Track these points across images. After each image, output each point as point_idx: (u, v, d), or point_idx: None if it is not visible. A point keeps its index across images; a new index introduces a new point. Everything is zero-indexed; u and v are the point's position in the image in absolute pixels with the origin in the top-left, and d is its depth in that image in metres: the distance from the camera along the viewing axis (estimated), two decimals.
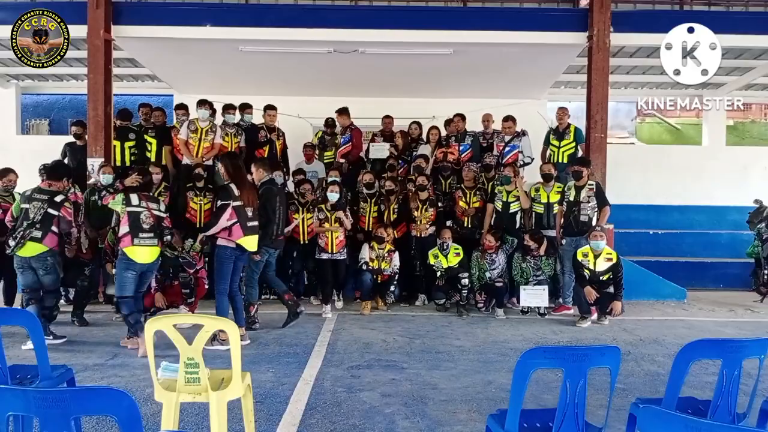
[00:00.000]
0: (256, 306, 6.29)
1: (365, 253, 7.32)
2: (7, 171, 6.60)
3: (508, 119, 8.44)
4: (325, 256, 7.07)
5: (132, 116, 8.56)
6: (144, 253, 5.30)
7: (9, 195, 6.56)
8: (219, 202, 5.51)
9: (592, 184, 7.33)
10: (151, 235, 5.38)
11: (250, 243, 5.59)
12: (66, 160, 8.45)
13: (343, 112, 8.75)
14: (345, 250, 7.19)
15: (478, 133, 9.11)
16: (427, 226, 7.68)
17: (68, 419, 1.77)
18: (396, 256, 7.38)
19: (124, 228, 5.29)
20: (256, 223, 5.63)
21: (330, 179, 7.91)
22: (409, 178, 8.19)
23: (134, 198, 5.38)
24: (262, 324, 6.32)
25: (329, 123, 9.06)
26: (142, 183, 5.59)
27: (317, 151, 9.03)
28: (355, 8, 9.28)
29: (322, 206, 7.04)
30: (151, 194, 5.85)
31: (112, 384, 4.34)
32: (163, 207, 5.63)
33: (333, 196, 7.02)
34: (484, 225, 7.76)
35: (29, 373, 3.19)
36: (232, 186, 5.48)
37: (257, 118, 8.75)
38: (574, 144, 8.36)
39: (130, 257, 5.25)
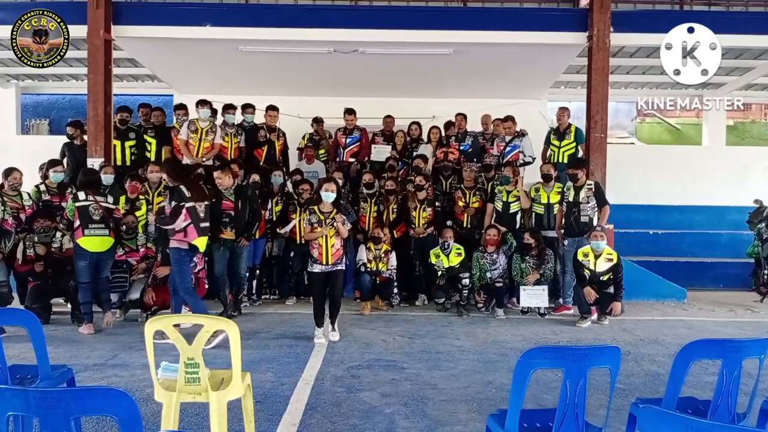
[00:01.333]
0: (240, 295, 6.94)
1: (362, 254, 7.32)
2: (12, 170, 6.62)
3: (508, 119, 8.45)
4: (317, 268, 5.68)
5: (131, 111, 8.56)
6: (95, 242, 5.88)
7: (17, 194, 6.58)
8: (172, 203, 5.57)
9: (591, 184, 7.33)
10: (102, 225, 5.93)
11: (202, 243, 5.76)
12: (65, 161, 8.45)
13: (352, 112, 8.78)
14: (344, 260, 5.81)
15: (478, 134, 9.12)
16: (425, 226, 7.68)
17: (68, 419, 1.77)
18: (393, 256, 7.38)
19: (76, 222, 5.87)
20: (207, 224, 5.81)
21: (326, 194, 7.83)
22: (409, 178, 8.20)
23: (81, 194, 5.95)
24: (262, 324, 6.32)
25: (318, 120, 9.10)
26: (88, 180, 6.10)
27: (313, 151, 9.03)
28: (355, 8, 9.28)
29: (315, 208, 5.70)
30: (102, 190, 6.29)
31: (112, 384, 4.34)
32: (111, 200, 6.14)
33: (328, 196, 5.61)
34: (484, 225, 7.76)
35: (29, 373, 3.19)
36: (182, 188, 5.60)
37: (258, 118, 8.75)
38: (574, 144, 8.36)
39: (82, 247, 5.83)
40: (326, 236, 5.58)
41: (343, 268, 5.80)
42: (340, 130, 8.93)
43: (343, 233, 5.67)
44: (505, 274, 7.31)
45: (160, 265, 6.56)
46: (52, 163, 7.18)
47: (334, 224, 5.56)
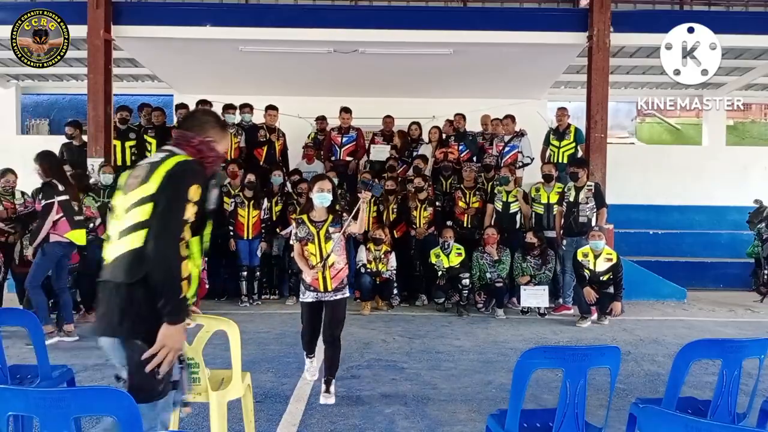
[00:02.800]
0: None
1: (362, 255, 7.32)
2: (6, 172, 6.63)
3: (507, 117, 8.46)
4: (311, 297, 4.05)
5: (131, 110, 8.56)
6: (81, 235, 5.72)
7: (10, 195, 6.58)
8: (43, 202, 5.51)
9: (591, 185, 7.34)
10: (83, 218, 5.82)
11: (79, 237, 5.66)
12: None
13: (348, 111, 8.78)
14: (346, 287, 4.16)
15: (478, 134, 9.12)
16: (426, 226, 7.69)
17: (68, 419, 1.77)
18: (392, 256, 7.38)
19: (57, 216, 5.54)
20: (82, 217, 5.77)
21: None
22: (409, 178, 8.20)
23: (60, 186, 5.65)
24: (262, 324, 6.32)
25: (321, 119, 9.10)
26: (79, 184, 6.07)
27: (314, 151, 9.03)
28: (355, 8, 9.28)
29: (304, 217, 4.05)
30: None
31: (112, 384, 4.32)
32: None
33: (322, 198, 3.96)
34: (484, 225, 7.76)
35: (29, 373, 3.19)
36: (55, 182, 5.55)
37: (258, 118, 8.76)
38: (574, 144, 8.36)
39: (70, 241, 5.61)
40: (321, 250, 3.97)
41: (347, 294, 4.14)
42: (334, 129, 8.93)
43: (354, 228, 4.08)
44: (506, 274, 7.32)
45: None
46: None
47: (332, 236, 3.97)
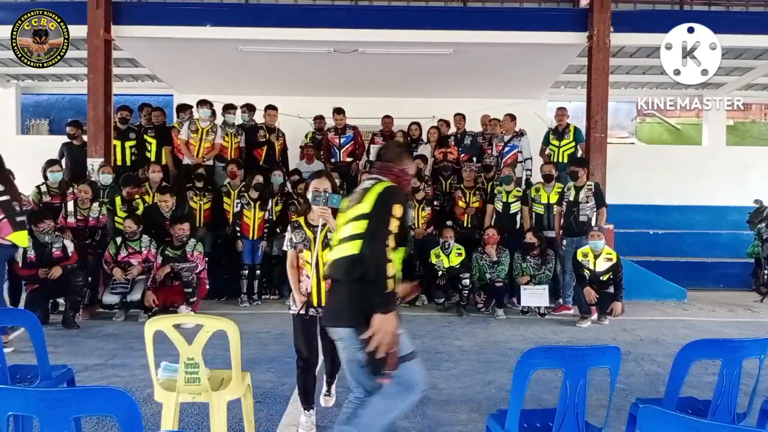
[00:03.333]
0: None
1: None
2: None
3: (507, 116, 8.46)
4: (301, 308, 3.44)
5: (131, 110, 8.56)
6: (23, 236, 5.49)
7: None
8: None
9: (591, 185, 7.34)
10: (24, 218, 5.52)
11: (20, 239, 5.49)
12: (64, 161, 8.45)
13: (341, 111, 8.78)
14: None
15: (478, 134, 9.12)
16: (425, 226, 7.69)
17: (68, 419, 1.77)
18: None
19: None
20: (24, 218, 5.56)
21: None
22: None
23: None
24: (262, 324, 6.32)
25: (318, 118, 9.09)
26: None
27: (314, 151, 9.03)
28: (355, 8, 9.28)
29: (300, 220, 3.55)
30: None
31: (112, 384, 4.33)
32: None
33: (324, 198, 3.30)
34: (484, 225, 7.76)
35: (29, 373, 3.18)
36: None
37: (258, 118, 8.76)
38: (573, 144, 8.37)
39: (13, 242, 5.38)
40: (317, 259, 3.41)
41: None
42: (330, 130, 8.92)
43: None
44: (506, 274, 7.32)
45: (160, 266, 6.57)
46: (50, 163, 7.18)
47: (330, 243, 3.18)
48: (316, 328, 3.44)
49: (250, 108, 8.71)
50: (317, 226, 3.39)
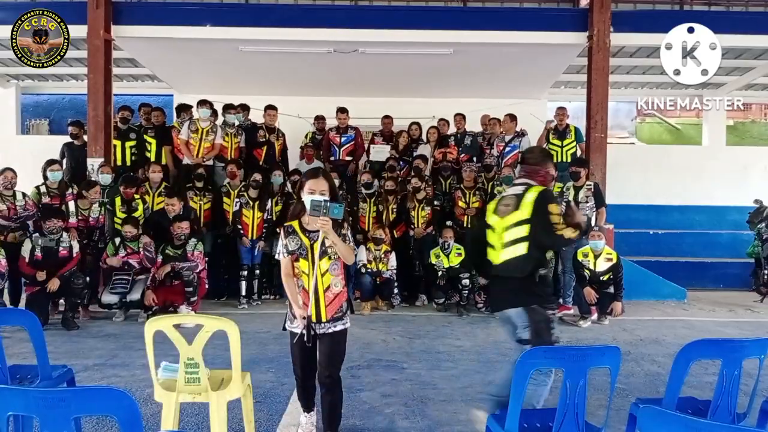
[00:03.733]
0: None
1: (362, 255, 7.30)
2: (4, 170, 6.65)
3: (507, 116, 8.46)
4: (300, 326, 3.10)
5: (133, 110, 8.56)
6: None
7: (11, 194, 6.59)
8: None
9: (590, 184, 7.35)
10: None
11: None
12: (64, 161, 8.45)
13: (345, 111, 8.78)
14: (347, 315, 3.24)
15: (478, 134, 9.12)
16: (424, 226, 7.69)
17: (68, 419, 1.77)
18: (393, 256, 7.38)
19: None
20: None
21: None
22: (409, 178, 8.20)
23: None
24: (262, 324, 6.32)
25: (319, 118, 9.08)
26: None
27: (314, 151, 9.03)
28: (355, 8, 9.28)
29: (295, 224, 3.15)
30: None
31: (112, 384, 4.34)
32: None
33: (324, 208, 2.95)
34: None
35: (29, 373, 3.18)
36: None
37: (255, 118, 8.75)
38: (575, 143, 8.37)
39: None
40: (316, 271, 3.06)
41: (348, 325, 3.23)
42: (332, 129, 8.93)
43: (346, 255, 3.11)
44: None
45: (160, 265, 6.57)
46: (49, 163, 7.18)
47: (328, 250, 3.07)
48: (316, 347, 3.15)
49: (243, 108, 8.67)
50: (314, 232, 3.07)
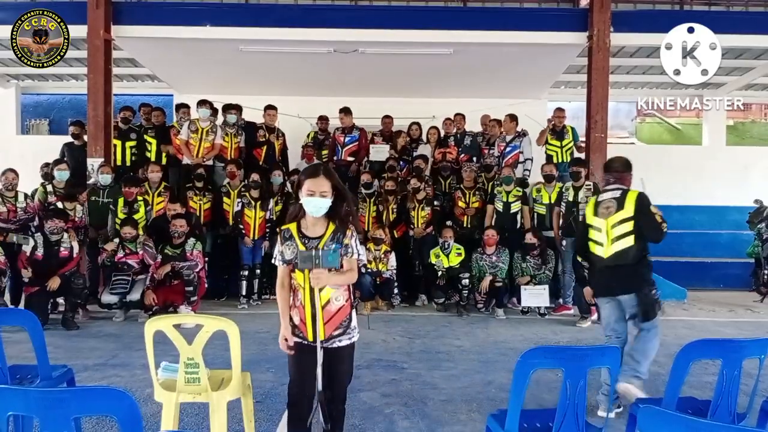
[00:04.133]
0: None
1: (362, 255, 7.28)
2: (6, 171, 6.67)
3: (508, 116, 8.45)
4: (296, 337, 2.78)
5: (134, 111, 8.56)
6: None
7: (13, 196, 6.60)
8: None
9: (590, 184, 7.34)
10: None
11: None
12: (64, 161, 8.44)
13: (348, 111, 8.78)
14: (354, 329, 2.81)
15: (477, 134, 9.12)
16: (424, 226, 7.69)
17: (68, 419, 1.77)
18: (392, 256, 7.37)
19: None
20: None
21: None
22: (409, 178, 8.20)
23: None
24: (262, 324, 6.32)
25: (322, 118, 9.08)
26: None
27: (314, 151, 9.02)
28: (355, 8, 9.27)
29: (292, 227, 2.80)
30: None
31: (112, 384, 4.34)
32: None
33: (317, 205, 2.70)
34: (484, 225, 7.75)
35: (29, 373, 3.19)
36: None
37: (255, 118, 8.74)
38: (572, 143, 8.38)
39: None
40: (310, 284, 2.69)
41: (355, 338, 2.80)
42: (338, 129, 8.93)
43: (348, 281, 2.80)
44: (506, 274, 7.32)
45: (159, 265, 6.57)
46: (56, 162, 7.19)
47: (326, 265, 2.63)
48: (315, 357, 2.65)
49: (235, 108, 8.59)
50: (314, 239, 2.71)
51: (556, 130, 8.44)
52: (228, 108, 8.24)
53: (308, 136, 9.40)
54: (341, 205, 2.73)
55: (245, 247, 7.43)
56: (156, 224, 7.05)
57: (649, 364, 3.79)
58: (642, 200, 3.81)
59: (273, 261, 2.89)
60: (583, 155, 8.47)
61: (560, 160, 8.20)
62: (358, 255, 2.81)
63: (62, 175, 7.10)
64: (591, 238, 3.99)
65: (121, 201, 7.16)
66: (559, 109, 8.62)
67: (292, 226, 2.79)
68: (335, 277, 2.68)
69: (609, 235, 3.84)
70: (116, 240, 6.75)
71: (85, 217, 7.07)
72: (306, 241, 2.73)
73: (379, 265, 7.26)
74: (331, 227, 2.75)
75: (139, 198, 7.19)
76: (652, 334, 3.79)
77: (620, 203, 3.83)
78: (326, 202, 2.68)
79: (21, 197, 6.69)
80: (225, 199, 7.58)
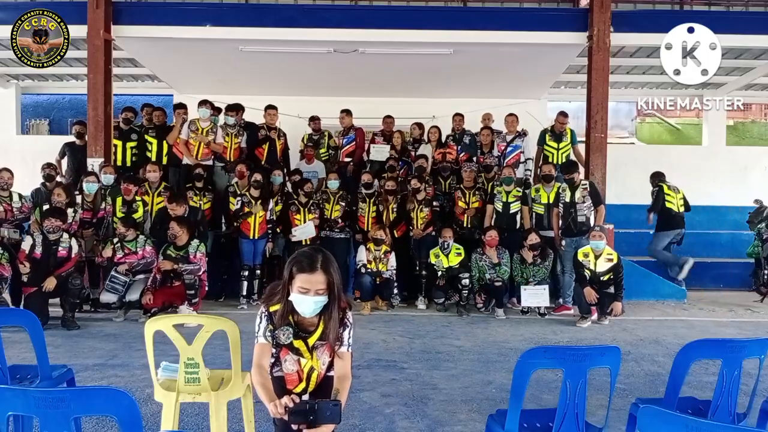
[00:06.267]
0: None
1: (362, 255, 7.30)
2: (1, 171, 6.65)
3: (511, 115, 8.45)
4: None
5: (136, 111, 8.55)
6: None
7: (7, 195, 6.59)
8: None
9: (586, 184, 7.35)
10: None
11: None
12: (65, 161, 8.44)
13: (349, 112, 8.78)
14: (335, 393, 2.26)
15: (477, 133, 9.11)
16: (423, 226, 7.68)
17: (68, 419, 1.77)
18: (392, 256, 7.37)
19: None
20: None
21: (330, 182, 7.87)
22: (409, 178, 8.19)
23: None
24: None
25: (314, 118, 9.07)
26: None
27: (313, 151, 9.01)
28: (355, 8, 9.28)
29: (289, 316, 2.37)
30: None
31: (112, 384, 4.34)
32: None
33: (312, 305, 2.26)
34: (484, 226, 7.75)
35: (29, 373, 3.19)
36: None
37: (255, 118, 8.74)
38: (570, 146, 8.39)
39: None
40: (309, 368, 2.38)
41: (340, 401, 2.13)
42: (339, 132, 8.97)
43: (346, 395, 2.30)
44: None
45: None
46: (86, 174, 7.13)
47: (323, 422, 2.05)
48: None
49: (235, 109, 8.57)
50: (307, 335, 2.34)
51: (555, 132, 8.43)
52: (227, 109, 8.23)
53: (303, 139, 9.33)
54: (333, 303, 2.29)
55: (246, 248, 7.42)
56: (161, 214, 7.04)
57: None
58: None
59: (255, 339, 2.39)
60: (582, 156, 8.48)
61: (557, 162, 8.19)
62: (348, 347, 2.37)
63: (91, 187, 6.95)
64: None
65: (119, 201, 7.15)
66: (562, 114, 8.50)
67: (275, 306, 2.37)
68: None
69: None
70: (115, 240, 6.74)
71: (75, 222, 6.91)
72: (303, 337, 2.34)
73: (379, 265, 7.26)
74: (321, 327, 2.33)
75: (138, 198, 7.19)
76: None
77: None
78: (321, 301, 2.26)
79: (16, 197, 6.68)
80: (231, 199, 7.55)
